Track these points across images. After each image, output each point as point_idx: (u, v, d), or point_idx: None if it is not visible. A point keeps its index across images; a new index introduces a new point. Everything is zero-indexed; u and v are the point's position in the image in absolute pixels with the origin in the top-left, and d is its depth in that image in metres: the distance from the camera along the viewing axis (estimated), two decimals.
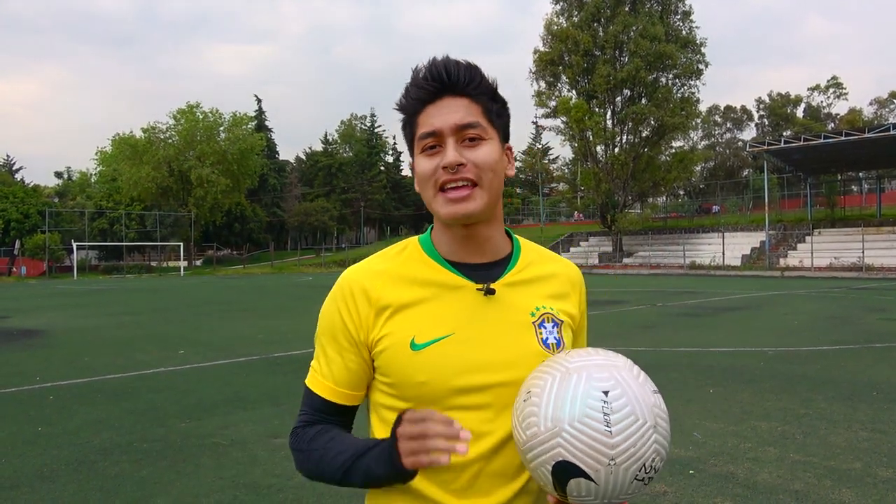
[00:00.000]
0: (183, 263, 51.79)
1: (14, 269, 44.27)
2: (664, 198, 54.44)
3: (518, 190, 75.36)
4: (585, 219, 58.56)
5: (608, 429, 0.89)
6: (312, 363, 1.17)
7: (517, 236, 1.24)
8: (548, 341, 1.12)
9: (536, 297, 1.16)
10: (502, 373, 1.08)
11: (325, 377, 1.14)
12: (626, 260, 41.41)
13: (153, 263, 55.43)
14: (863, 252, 30.91)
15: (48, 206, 50.23)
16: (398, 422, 0.98)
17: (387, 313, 1.10)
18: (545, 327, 1.13)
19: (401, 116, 1.14)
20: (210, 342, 10.41)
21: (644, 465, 0.91)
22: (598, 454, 0.89)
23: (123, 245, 51.56)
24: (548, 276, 1.20)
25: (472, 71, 1.10)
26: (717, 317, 13.52)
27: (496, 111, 1.12)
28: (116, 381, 7.31)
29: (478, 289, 1.11)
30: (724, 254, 36.43)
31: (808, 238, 36.28)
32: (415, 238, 1.20)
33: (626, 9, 41.94)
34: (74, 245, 45.53)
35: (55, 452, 4.73)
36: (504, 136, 1.15)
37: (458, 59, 1.10)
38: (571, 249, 46.21)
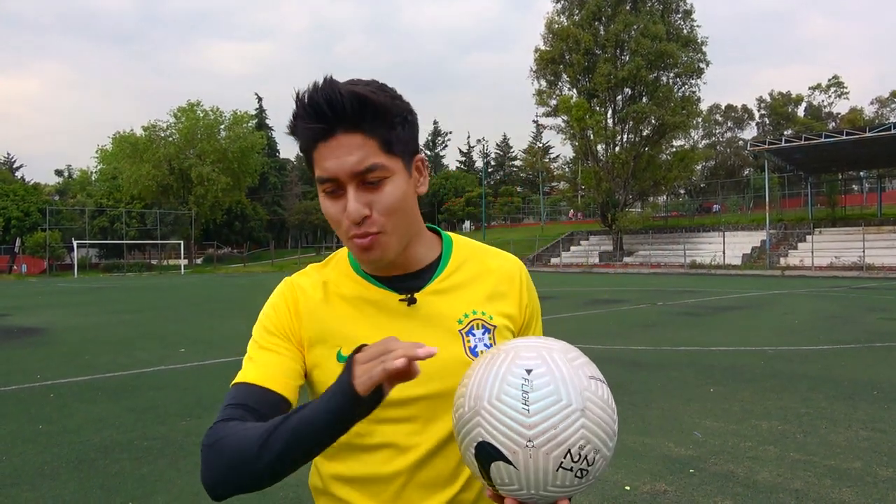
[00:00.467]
0: (183, 262, 51.83)
1: (15, 267, 44.29)
2: (665, 197, 54.43)
3: (519, 189, 75.36)
4: (584, 218, 58.57)
5: (525, 406, 0.83)
6: (244, 360, 1.09)
7: (451, 235, 1.18)
8: (476, 349, 1.06)
9: (466, 303, 1.10)
10: (426, 385, 1.03)
11: (260, 364, 1.05)
12: (626, 259, 41.40)
13: (153, 262, 55.48)
14: (863, 251, 30.90)
15: (49, 204, 50.24)
16: (357, 351, 0.86)
17: (318, 325, 1.09)
18: (474, 334, 1.08)
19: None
20: (211, 340, 10.42)
21: (570, 451, 0.83)
22: (514, 434, 0.83)
23: (124, 243, 51.57)
24: (480, 275, 1.14)
25: (360, 100, 0.94)
26: (718, 316, 13.52)
27: (396, 137, 0.99)
28: (117, 379, 7.32)
29: (400, 299, 1.08)
30: (724, 253, 36.42)
31: (808, 237, 36.27)
32: (343, 251, 1.17)
33: (627, 7, 41.92)
34: (75, 243, 45.55)
35: (56, 450, 4.74)
36: (411, 154, 1.04)
37: (343, 85, 0.95)
38: (572, 248, 46.22)
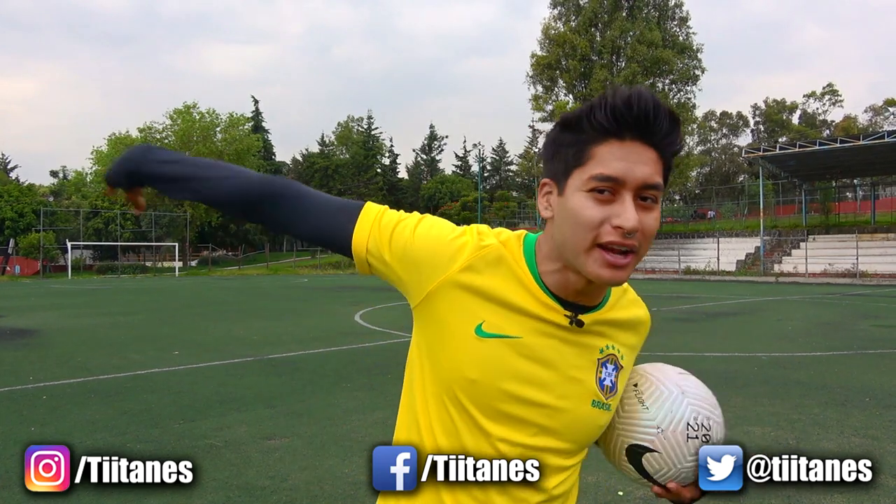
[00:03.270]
0: (178, 264, 51.65)
1: (8, 269, 44.13)
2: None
3: (514, 193, 75.43)
4: None
5: (645, 407, 1.09)
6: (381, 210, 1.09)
7: None
8: (604, 382, 1.08)
9: (611, 338, 1.11)
10: (554, 397, 1.04)
11: (373, 228, 1.06)
12: None
13: (148, 264, 55.25)
14: (857, 258, 31.06)
15: (43, 205, 50.02)
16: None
17: (471, 283, 1.03)
18: (606, 368, 1.09)
19: (558, 127, 1.01)
20: (205, 343, 10.39)
21: (689, 424, 1.06)
22: (647, 428, 1.07)
23: (118, 245, 51.39)
24: (631, 321, 1.16)
25: (675, 124, 0.95)
26: (712, 322, 13.56)
27: (670, 169, 1.00)
28: (110, 382, 7.29)
29: (566, 314, 1.04)
30: (719, 259, 36.54)
31: (802, 244, 36.44)
32: (519, 238, 1.08)
33: (624, 14, 42.16)
34: (69, 244, 45.38)
35: None
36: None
37: (663, 103, 0.95)
38: None
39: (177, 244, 52.86)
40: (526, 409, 1.04)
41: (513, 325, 1.02)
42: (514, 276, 1.04)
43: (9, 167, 79.01)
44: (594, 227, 0.95)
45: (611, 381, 1.09)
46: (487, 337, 1.02)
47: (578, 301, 1.06)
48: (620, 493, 3.89)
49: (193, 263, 57.26)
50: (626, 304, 1.16)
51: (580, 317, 1.05)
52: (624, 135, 0.94)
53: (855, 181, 49.61)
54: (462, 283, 1.03)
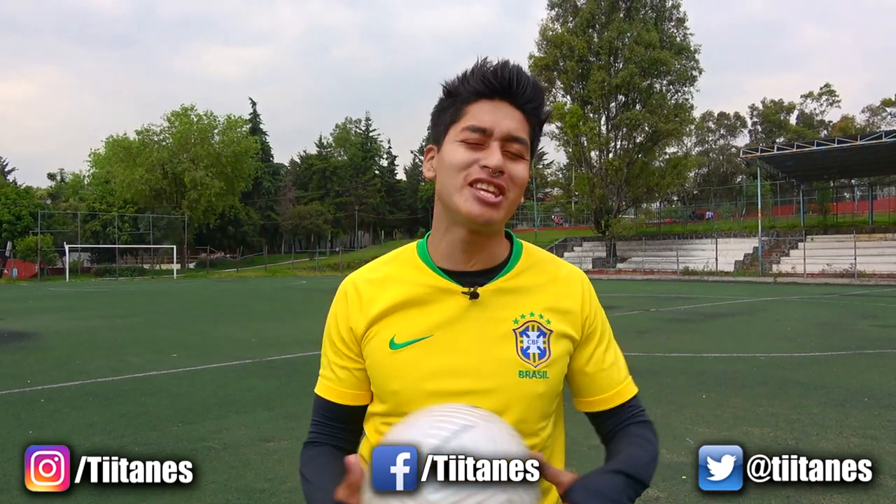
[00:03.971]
0: (176, 266, 51.57)
1: (5, 271, 44.01)
2: (658, 203, 54.68)
3: None
4: (573, 224, 58.62)
5: None
6: (319, 371, 1.19)
7: (522, 241, 1.19)
8: (528, 350, 1.08)
9: (526, 305, 1.11)
10: (475, 380, 1.06)
11: (328, 379, 1.16)
12: (619, 265, 41.51)
13: (146, 266, 55.19)
14: (855, 259, 31.10)
15: (40, 208, 49.93)
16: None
17: (375, 316, 1.11)
18: (528, 335, 1.09)
19: (441, 97, 1.12)
20: (203, 345, 10.37)
21: None
22: None
23: (116, 247, 51.33)
24: (546, 284, 1.15)
25: (538, 91, 1.09)
26: (710, 322, 13.56)
27: (536, 137, 1.12)
28: (108, 385, 7.28)
29: (463, 292, 1.09)
30: (717, 259, 36.57)
31: (800, 244, 36.49)
32: (413, 244, 1.19)
33: (621, 15, 42.18)
34: (67, 247, 45.33)
35: None
36: (531, 162, 1.15)
37: (528, 74, 1.08)
38: (565, 254, 46.26)
39: (175, 246, 52.74)
40: (453, 400, 1.04)
41: (420, 326, 1.09)
42: (410, 280, 1.13)
43: (6, 169, 78.87)
44: (465, 167, 1.05)
45: (538, 347, 1.09)
46: (400, 347, 1.09)
47: (474, 268, 1.11)
48: None
49: (191, 266, 57.18)
50: (541, 269, 1.17)
51: (478, 289, 1.10)
52: (493, 96, 1.06)
53: (853, 181, 49.69)
54: (372, 318, 1.12)
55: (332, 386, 1.15)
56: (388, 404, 1.10)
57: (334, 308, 1.17)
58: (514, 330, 1.09)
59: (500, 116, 1.05)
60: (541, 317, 1.11)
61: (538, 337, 1.10)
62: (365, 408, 1.17)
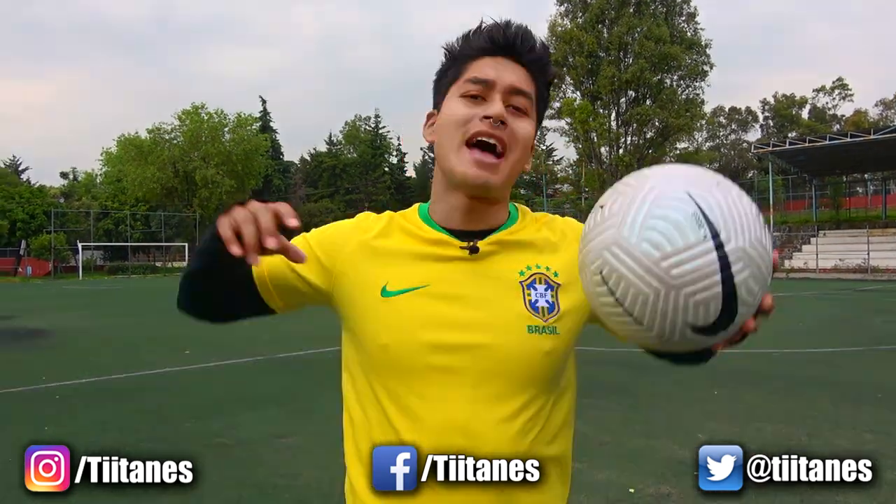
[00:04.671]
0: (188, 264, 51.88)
1: (20, 270, 44.47)
2: None
3: (522, 191, 75.35)
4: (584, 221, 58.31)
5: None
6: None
7: (520, 206, 1.15)
8: (537, 304, 1.02)
9: (530, 257, 1.06)
10: (480, 333, 0.99)
11: (268, 261, 1.05)
12: None
13: (158, 264, 55.57)
14: (868, 254, 30.82)
15: (54, 207, 50.39)
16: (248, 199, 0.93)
17: (367, 252, 1.07)
18: (535, 288, 1.03)
19: (442, 61, 1.09)
20: (216, 342, 10.42)
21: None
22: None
23: (128, 245, 51.72)
24: (548, 236, 1.10)
25: (544, 49, 1.06)
26: None
27: (543, 98, 1.09)
28: (122, 381, 7.34)
29: (461, 247, 1.04)
30: None
31: (813, 240, 36.17)
32: (414, 207, 1.15)
33: (631, 10, 41.98)
34: (80, 245, 45.68)
35: None
36: (538, 126, 1.10)
37: (532, 32, 1.06)
38: None
39: (186, 244, 53.07)
40: (453, 355, 0.99)
41: (416, 276, 1.03)
42: (408, 232, 1.08)
43: (20, 169, 79.59)
44: (464, 123, 1.01)
45: (546, 301, 1.03)
46: (393, 295, 1.02)
47: (472, 227, 1.06)
48: (632, 491, 3.88)
49: None
50: (541, 224, 1.12)
51: (478, 243, 1.05)
52: (496, 52, 1.03)
53: (865, 176, 49.21)
54: (365, 247, 1.08)
55: (269, 260, 1.04)
56: (376, 362, 1.02)
57: (341, 223, 1.14)
58: (520, 283, 1.03)
59: (503, 70, 1.02)
60: (547, 269, 1.05)
61: (546, 290, 1.04)
62: (257, 299, 1.10)
